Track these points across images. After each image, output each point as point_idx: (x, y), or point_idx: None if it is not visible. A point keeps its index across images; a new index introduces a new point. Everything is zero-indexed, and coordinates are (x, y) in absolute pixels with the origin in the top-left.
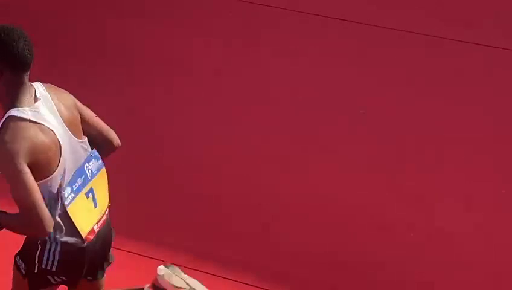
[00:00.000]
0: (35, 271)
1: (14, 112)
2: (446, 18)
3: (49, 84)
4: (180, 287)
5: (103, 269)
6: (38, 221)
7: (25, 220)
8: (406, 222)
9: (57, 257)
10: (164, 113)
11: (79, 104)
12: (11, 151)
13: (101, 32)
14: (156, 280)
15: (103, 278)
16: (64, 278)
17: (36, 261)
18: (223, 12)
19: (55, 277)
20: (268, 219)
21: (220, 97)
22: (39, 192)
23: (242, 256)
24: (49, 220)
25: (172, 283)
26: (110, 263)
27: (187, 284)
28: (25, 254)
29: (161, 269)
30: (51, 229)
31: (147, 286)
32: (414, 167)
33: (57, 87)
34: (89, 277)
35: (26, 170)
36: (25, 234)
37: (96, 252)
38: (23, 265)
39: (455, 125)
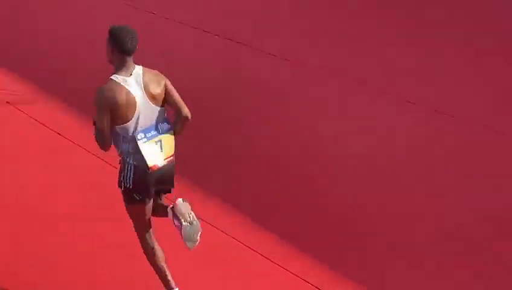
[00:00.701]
0: (123, 189)
1: (112, 76)
2: None
3: (147, 68)
4: (183, 214)
5: (164, 193)
6: (101, 140)
7: (96, 136)
8: None
9: (131, 177)
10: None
11: (168, 84)
12: (100, 97)
13: None
14: (175, 204)
15: (166, 195)
16: (139, 196)
17: (122, 181)
18: None
19: (135, 194)
20: None
21: None
22: (107, 125)
23: None
24: (107, 143)
25: (182, 211)
26: (171, 190)
27: (189, 216)
28: (119, 177)
29: (179, 200)
30: (105, 149)
31: (169, 207)
32: None
33: (153, 71)
34: (152, 199)
35: (104, 111)
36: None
37: (158, 179)
38: (121, 185)
39: None
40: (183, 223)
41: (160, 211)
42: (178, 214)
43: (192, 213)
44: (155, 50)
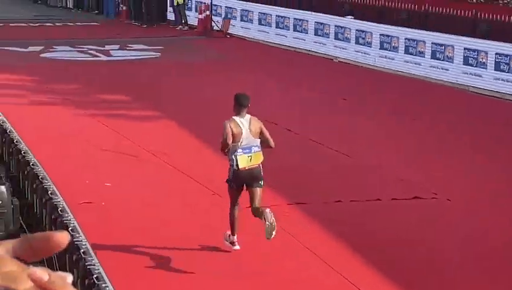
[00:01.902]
0: (227, 180)
1: (234, 116)
2: None
3: (254, 117)
4: (269, 217)
5: (253, 187)
6: (222, 145)
7: (221, 142)
8: None
9: (232, 173)
10: None
11: (263, 127)
12: (226, 124)
13: None
14: (267, 211)
15: (258, 189)
16: (234, 185)
17: (228, 175)
18: None
19: (232, 183)
20: None
21: None
22: (228, 139)
23: None
24: (224, 148)
25: (268, 215)
26: (259, 185)
27: (272, 219)
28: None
29: (268, 209)
30: (222, 151)
31: (268, 210)
32: None
33: (256, 118)
34: (247, 186)
35: (228, 131)
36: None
37: (246, 177)
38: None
39: None
40: (267, 222)
41: (258, 214)
42: (267, 216)
43: (274, 218)
44: None
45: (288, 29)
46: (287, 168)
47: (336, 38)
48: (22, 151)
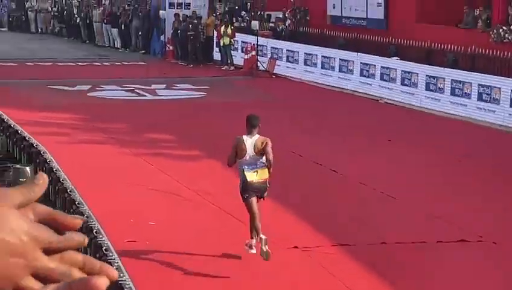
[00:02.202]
0: (240, 193)
1: (243, 136)
2: None
3: (262, 137)
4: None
5: (258, 197)
6: (228, 160)
7: (228, 160)
8: None
9: (241, 185)
10: None
11: (267, 146)
12: (233, 142)
13: None
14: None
15: (261, 199)
16: (245, 195)
17: (240, 188)
18: None
19: (243, 194)
20: None
21: None
22: (233, 155)
23: None
24: (230, 163)
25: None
26: (263, 197)
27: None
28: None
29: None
30: (229, 166)
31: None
32: None
33: (263, 137)
34: (254, 197)
35: (233, 149)
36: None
37: (254, 189)
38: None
39: None
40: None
41: (255, 212)
42: (263, 241)
43: (266, 247)
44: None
45: (334, 70)
46: (331, 209)
47: (382, 79)
48: (68, 190)
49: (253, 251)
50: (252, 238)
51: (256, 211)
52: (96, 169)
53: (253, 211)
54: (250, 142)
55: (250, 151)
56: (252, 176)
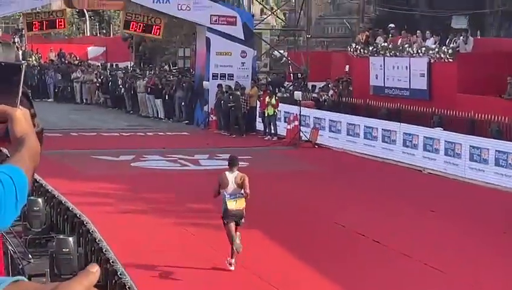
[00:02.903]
0: (222, 217)
1: (226, 171)
2: None
3: (241, 173)
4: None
5: (236, 224)
6: (213, 192)
7: (214, 192)
8: None
9: (224, 212)
10: None
11: (245, 181)
12: (218, 177)
13: None
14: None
15: (239, 225)
16: (225, 221)
17: (222, 214)
18: None
19: (223, 220)
20: None
21: None
22: (217, 189)
23: None
24: (215, 195)
25: (236, 239)
26: (240, 224)
27: (239, 241)
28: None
29: (238, 234)
30: (214, 197)
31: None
32: None
33: (242, 174)
34: (233, 222)
35: (217, 182)
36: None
37: (232, 215)
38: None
39: None
40: (237, 242)
41: (233, 235)
42: (237, 239)
43: (239, 241)
44: None
45: (377, 140)
46: (374, 281)
47: (425, 149)
48: (111, 261)
49: (232, 267)
50: (231, 257)
51: (233, 234)
52: (138, 239)
53: (231, 235)
54: (231, 177)
55: (231, 184)
56: (232, 205)
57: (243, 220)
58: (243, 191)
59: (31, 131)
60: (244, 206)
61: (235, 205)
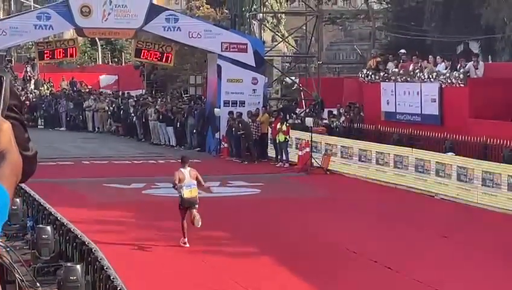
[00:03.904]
0: (179, 205)
1: (180, 168)
2: None
3: (192, 168)
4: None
5: (191, 209)
6: (174, 184)
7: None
8: None
9: (180, 201)
10: None
11: (198, 175)
12: (175, 173)
13: None
14: (195, 213)
15: (194, 210)
16: (181, 207)
17: (179, 202)
18: None
19: (180, 206)
20: None
21: None
22: (176, 181)
23: None
24: (175, 186)
25: (196, 215)
26: (195, 208)
27: (198, 217)
28: None
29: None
30: (175, 188)
31: (194, 212)
32: None
33: (193, 169)
34: (188, 209)
35: (175, 177)
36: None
37: (187, 202)
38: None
39: None
40: (196, 214)
41: (189, 214)
42: (196, 215)
43: (198, 217)
44: None
45: (389, 166)
46: None
47: (437, 174)
48: (118, 288)
49: (187, 245)
50: (184, 237)
51: (184, 217)
52: (148, 267)
53: (182, 217)
54: (186, 171)
55: (187, 177)
56: (187, 193)
57: (196, 205)
58: (195, 183)
59: (13, 145)
60: (197, 194)
61: (190, 193)
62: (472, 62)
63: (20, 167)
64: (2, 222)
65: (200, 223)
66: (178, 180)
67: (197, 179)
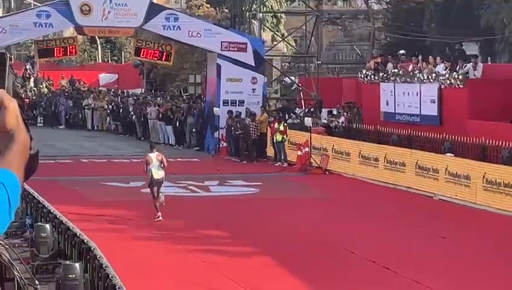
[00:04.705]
0: (149, 185)
1: (149, 153)
2: None
3: (158, 152)
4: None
5: (159, 188)
6: (145, 168)
7: (144, 168)
8: None
9: (150, 181)
10: None
11: (163, 158)
12: (145, 157)
13: None
14: (160, 193)
15: (160, 189)
16: (151, 186)
17: (148, 182)
18: None
19: (150, 185)
20: None
21: None
22: (145, 165)
23: None
24: (146, 169)
25: (161, 195)
26: (161, 186)
27: (162, 196)
28: None
29: (162, 193)
30: (144, 171)
31: (160, 193)
32: None
33: (159, 153)
34: (156, 187)
35: (145, 160)
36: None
37: (156, 182)
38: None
39: None
40: (161, 196)
41: (157, 192)
42: (160, 195)
43: (163, 197)
44: None
45: (387, 166)
46: None
47: (435, 175)
48: (117, 287)
49: (160, 218)
50: (157, 212)
51: (155, 195)
52: (147, 266)
53: (154, 196)
54: (154, 156)
55: (155, 161)
56: (156, 174)
57: (163, 184)
58: (162, 165)
59: (21, 125)
60: (164, 175)
61: (158, 174)
62: (471, 63)
63: (28, 146)
64: (15, 207)
65: (162, 199)
66: (147, 163)
67: (161, 161)
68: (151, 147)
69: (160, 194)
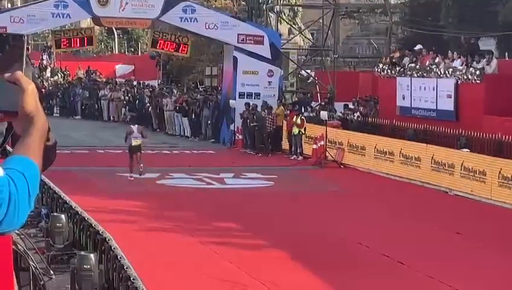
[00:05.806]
0: (128, 151)
1: (130, 125)
2: None
3: (140, 126)
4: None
5: (137, 153)
6: (125, 138)
7: (125, 138)
8: None
9: (128, 148)
10: None
11: (143, 130)
12: (127, 128)
13: None
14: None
15: (139, 153)
16: (130, 152)
17: (128, 149)
18: None
19: (129, 152)
20: None
21: None
22: (127, 135)
23: None
24: (126, 139)
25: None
26: (140, 152)
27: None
28: None
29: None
30: (124, 140)
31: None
32: None
33: (141, 126)
34: (134, 153)
35: (126, 131)
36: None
37: (134, 149)
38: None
39: None
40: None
41: (135, 161)
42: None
43: (142, 163)
44: None
45: (403, 161)
46: None
47: (451, 170)
48: (132, 278)
49: (132, 178)
50: (131, 172)
51: (133, 159)
52: (161, 257)
53: (132, 158)
54: (134, 127)
55: (135, 131)
56: (135, 142)
57: (140, 151)
58: (140, 135)
59: (39, 108)
60: (141, 143)
61: (136, 142)
62: (485, 59)
63: (46, 130)
64: (34, 195)
65: (141, 162)
66: (129, 133)
67: (142, 133)
68: (133, 120)
69: (139, 154)
